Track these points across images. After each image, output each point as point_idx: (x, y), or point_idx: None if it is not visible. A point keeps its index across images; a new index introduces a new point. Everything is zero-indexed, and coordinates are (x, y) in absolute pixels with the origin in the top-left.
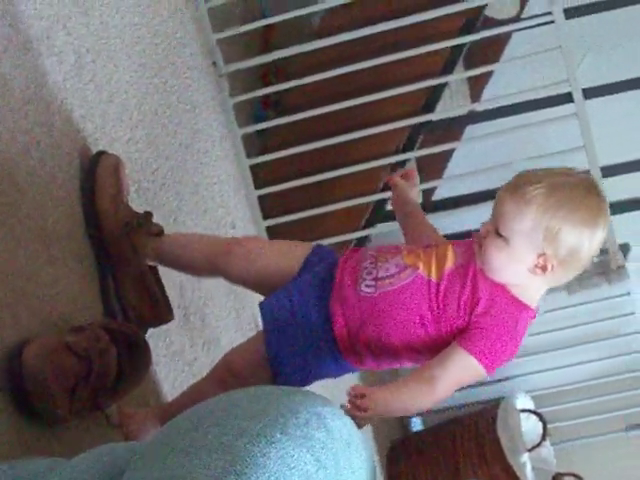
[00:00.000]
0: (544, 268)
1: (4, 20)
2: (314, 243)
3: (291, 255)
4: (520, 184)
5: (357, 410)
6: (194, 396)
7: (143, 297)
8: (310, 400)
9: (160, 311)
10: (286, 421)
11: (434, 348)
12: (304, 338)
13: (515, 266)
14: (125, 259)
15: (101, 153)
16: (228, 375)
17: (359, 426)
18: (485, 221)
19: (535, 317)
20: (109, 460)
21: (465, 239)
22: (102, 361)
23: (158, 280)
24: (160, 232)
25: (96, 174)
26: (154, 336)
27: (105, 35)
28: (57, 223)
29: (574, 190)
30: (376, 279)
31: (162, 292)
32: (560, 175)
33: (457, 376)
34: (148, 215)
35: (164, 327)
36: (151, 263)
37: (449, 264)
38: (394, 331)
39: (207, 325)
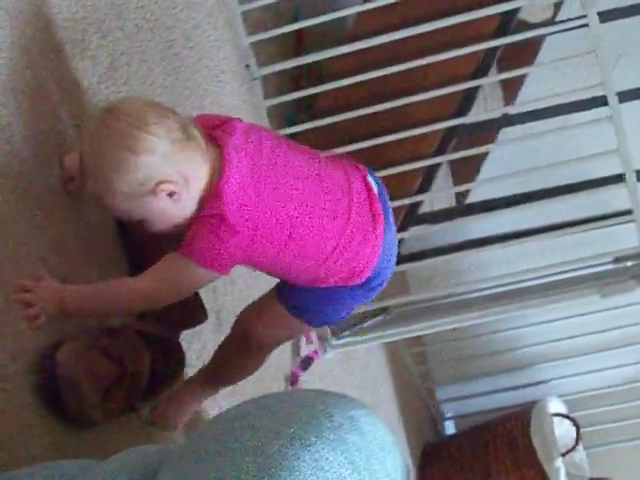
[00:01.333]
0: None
1: (39, 22)
2: None
3: None
4: None
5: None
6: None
7: None
8: (344, 403)
9: (193, 313)
10: (320, 424)
11: None
12: None
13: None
14: (152, 261)
15: None
16: (257, 349)
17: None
18: None
19: None
20: (142, 462)
21: None
22: (135, 364)
23: None
24: None
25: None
26: (187, 338)
27: (139, 38)
28: (92, 225)
29: None
30: None
31: (195, 294)
32: None
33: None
34: None
35: (197, 329)
36: None
37: None
38: None
39: None
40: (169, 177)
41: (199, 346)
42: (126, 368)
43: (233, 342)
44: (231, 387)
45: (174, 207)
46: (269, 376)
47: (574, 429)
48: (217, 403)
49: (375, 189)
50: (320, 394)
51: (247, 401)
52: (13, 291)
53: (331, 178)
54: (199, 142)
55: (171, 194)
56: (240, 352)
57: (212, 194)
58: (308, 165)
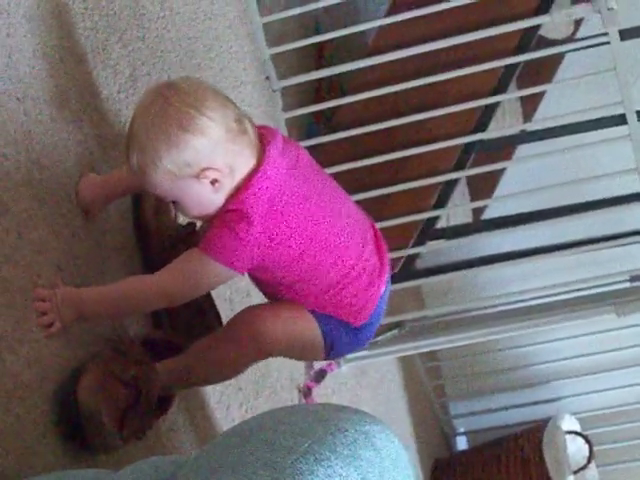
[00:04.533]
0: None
1: (61, 31)
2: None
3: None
4: None
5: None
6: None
7: (190, 308)
8: (358, 418)
9: (208, 321)
10: (334, 439)
11: None
12: None
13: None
14: None
15: None
16: (259, 353)
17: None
18: None
19: None
20: (155, 473)
21: None
22: (148, 384)
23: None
24: None
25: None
26: None
27: (160, 48)
28: (111, 235)
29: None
30: None
31: (210, 303)
32: None
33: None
34: (190, 226)
35: None
36: None
37: None
38: None
39: None
40: (216, 164)
41: None
42: (140, 390)
43: (230, 339)
44: (243, 398)
45: (213, 196)
46: (282, 388)
47: (587, 447)
48: (230, 415)
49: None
50: (335, 409)
51: (261, 414)
52: (29, 300)
53: (351, 212)
54: (251, 137)
55: (214, 182)
56: (236, 351)
57: (242, 188)
58: (334, 191)
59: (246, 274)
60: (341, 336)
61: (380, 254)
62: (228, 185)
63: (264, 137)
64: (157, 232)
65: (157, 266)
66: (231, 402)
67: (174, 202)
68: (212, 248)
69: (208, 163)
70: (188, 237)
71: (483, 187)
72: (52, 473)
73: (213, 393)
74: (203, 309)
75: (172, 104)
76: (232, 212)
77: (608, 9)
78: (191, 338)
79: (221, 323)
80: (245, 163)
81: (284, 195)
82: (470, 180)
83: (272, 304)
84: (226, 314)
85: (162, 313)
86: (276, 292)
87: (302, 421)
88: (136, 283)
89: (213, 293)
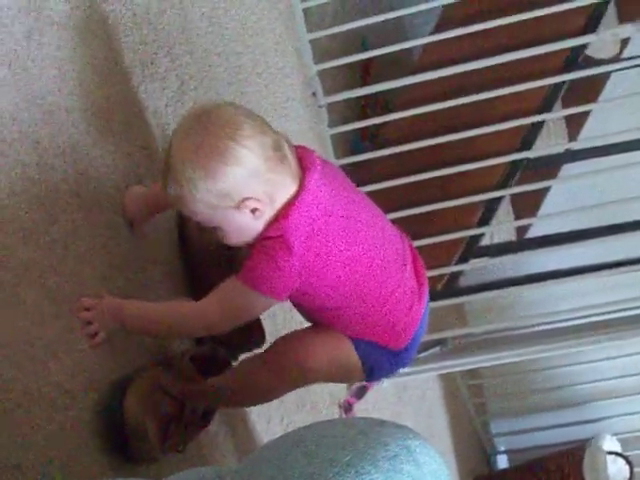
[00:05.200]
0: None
1: (110, 45)
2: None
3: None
4: None
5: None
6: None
7: None
8: (399, 432)
9: (251, 335)
10: (375, 453)
11: None
12: None
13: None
14: (211, 284)
15: None
16: (303, 382)
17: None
18: None
19: None
20: None
21: None
22: (194, 401)
23: None
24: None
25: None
26: None
27: (208, 62)
28: (155, 248)
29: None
30: None
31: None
32: None
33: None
34: None
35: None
36: None
37: None
38: None
39: None
40: (256, 194)
41: None
42: (184, 404)
43: (274, 368)
44: (284, 412)
45: (253, 224)
46: (323, 404)
47: (627, 468)
48: (270, 429)
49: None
50: (376, 423)
51: (302, 427)
52: (74, 309)
53: (389, 232)
54: (290, 163)
55: (254, 210)
56: (280, 379)
57: (282, 215)
58: (371, 211)
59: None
60: (381, 360)
61: (418, 274)
62: (268, 213)
63: (303, 160)
64: (200, 247)
65: (199, 282)
66: (272, 415)
67: (215, 228)
68: (252, 278)
69: (248, 193)
70: (231, 254)
71: (527, 205)
72: None
73: (255, 407)
74: (246, 324)
75: (210, 133)
76: (272, 239)
77: None
78: (233, 350)
79: (264, 335)
80: (285, 190)
81: (324, 221)
82: (514, 198)
83: (315, 331)
84: (269, 329)
85: None
86: (316, 317)
87: (343, 434)
88: (177, 308)
89: None
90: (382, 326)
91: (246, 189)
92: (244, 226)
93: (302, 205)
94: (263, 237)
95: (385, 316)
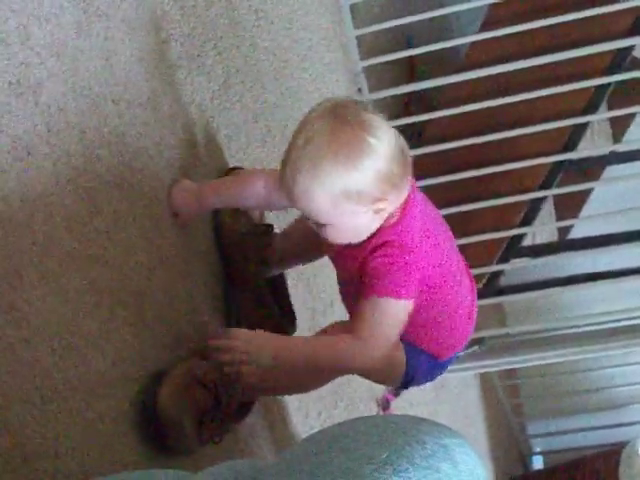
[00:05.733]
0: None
1: (158, 36)
2: None
3: None
4: None
5: (225, 354)
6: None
7: (259, 313)
8: (437, 431)
9: (278, 325)
10: (413, 451)
11: None
12: None
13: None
14: (240, 273)
15: (232, 169)
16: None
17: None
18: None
19: None
20: (234, 476)
21: None
22: (229, 391)
23: (279, 291)
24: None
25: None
26: None
27: (254, 56)
28: (196, 239)
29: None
30: None
31: (282, 304)
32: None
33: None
34: (267, 228)
35: None
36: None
37: None
38: None
39: None
40: (385, 194)
41: None
42: (220, 396)
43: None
44: (322, 407)
45: (371, 225)
46: (361, 400)
47: None
48: (308, 423)
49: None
50: (414, 420)
51: (340, 423)
52: (215, 352)
53: (458, 252)
54: (410, 167)
55: (378, 211)
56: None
57: (396, 219)
58: (444, 224)
59: (340, 294)
60: (423, 369)
61: (472, 286)
62: (386, 215)
63: None
64: (230, 227)
65: (232, 269)
66: (310, 410)
67: (322, 226)
68: (392, 288)
69: (378, 193)
70: (261, 234)
71: (570, 207)
72: (134, 472)
73: (292, 400)
74: (270, 313)
75: (348, 129)
76: (387, 245)
77: None
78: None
79: (291, 323)
80: (402, 195)
81: (425, 227)
82: (557, 199)
83: None
84: (308, 325)
85: (233, 314)
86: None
87: (381, 431)
88: (334, 344)
89: (298, 299)
90: (437, 336)
91: (377, 189)
92: (361, 226)
93: (412, 210)
94: (378, 240)
95: (445, 327)
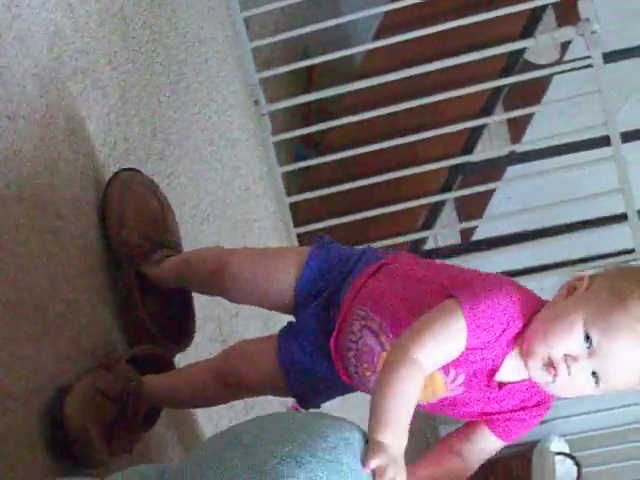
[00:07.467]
0: None
1: (51, 53)
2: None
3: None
4: None
5: None
6: (191, 386)
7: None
8: (338, 425)
9: (183, 333)
10: (315, 444)
11: None
12: (323, 381)
13: None
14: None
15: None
16: (235, 384)
17: None
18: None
19: None
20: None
21: None
22: (135, 400)
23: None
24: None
25: (107, 193)
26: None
27: (150, 71)
28: (97, 254)
29: None
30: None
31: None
32: None
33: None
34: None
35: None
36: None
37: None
38: None
39: None
40: None
41: None
42: (127, 406)
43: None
44: (233, 415)
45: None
46: (271, 407)
47: (575, 469)
48: (218, 430)
49: None
50: (317, 416)
51: (246, 421)
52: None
53: None
54: None
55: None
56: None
57: None
58: None
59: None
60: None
61: None
62: None
63: None
64: (116, 238)
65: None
66: (220, 419)
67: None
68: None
69: None
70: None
71: (473, 209)
72: None
73: (203, 410)
74: (184, 319)
75: None
76: None
77: (592, 32)
78: (170, 348)
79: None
80: None
81: None
82: (459, 203)
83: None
84: (214, 335)
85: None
86: None
87: (285, 427)
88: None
89: (202, 312)
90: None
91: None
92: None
93: None
94: None
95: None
